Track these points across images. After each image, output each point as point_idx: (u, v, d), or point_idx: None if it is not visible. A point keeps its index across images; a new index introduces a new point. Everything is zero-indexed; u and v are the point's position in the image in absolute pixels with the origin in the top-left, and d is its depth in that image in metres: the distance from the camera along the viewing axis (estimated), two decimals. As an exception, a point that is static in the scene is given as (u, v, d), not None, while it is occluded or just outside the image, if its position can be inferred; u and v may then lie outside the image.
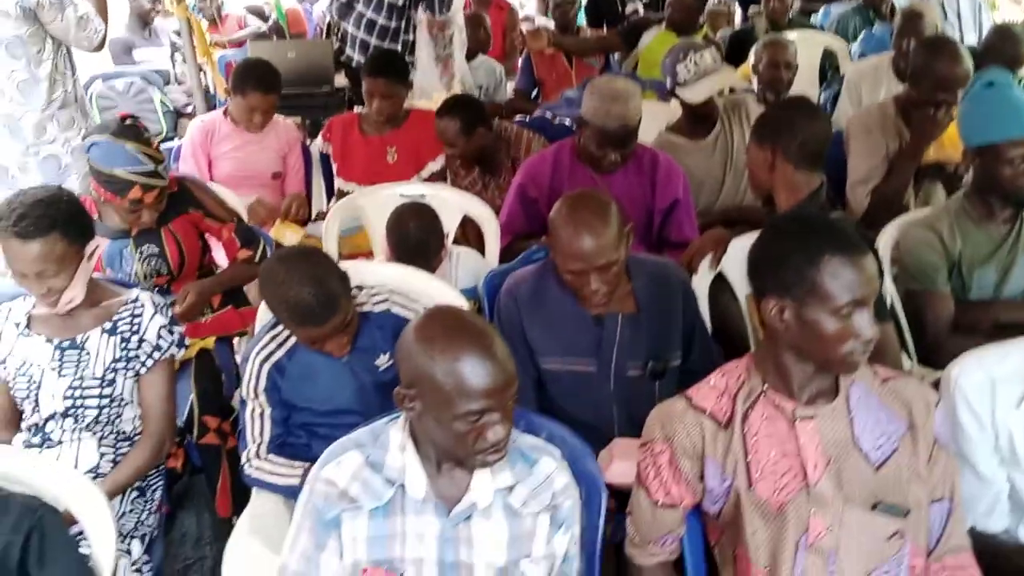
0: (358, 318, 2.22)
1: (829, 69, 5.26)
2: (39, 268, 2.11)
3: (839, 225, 1.65)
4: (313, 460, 1.98)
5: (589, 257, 2.13)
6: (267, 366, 2.22)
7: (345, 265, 2.29)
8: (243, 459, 2.25)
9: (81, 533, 1.88)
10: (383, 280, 2.42)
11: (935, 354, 2.52)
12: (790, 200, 2.51)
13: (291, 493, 2.16)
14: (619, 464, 2.03)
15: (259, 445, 2.23)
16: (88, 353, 2.24)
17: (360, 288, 2.29)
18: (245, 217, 3.21)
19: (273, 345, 2.24)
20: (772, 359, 1.68)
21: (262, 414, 2.24)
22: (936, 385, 1.97)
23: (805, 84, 4.66)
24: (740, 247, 2.64)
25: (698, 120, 3.49)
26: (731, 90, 3.86)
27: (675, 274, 2.39)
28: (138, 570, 2.15)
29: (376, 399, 2.19)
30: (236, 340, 2.98)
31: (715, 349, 2.45)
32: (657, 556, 1.83)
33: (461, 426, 1.53)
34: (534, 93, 5.57)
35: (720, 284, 2.74)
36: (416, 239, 2.81)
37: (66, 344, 2.24)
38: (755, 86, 4.16)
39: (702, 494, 1.74)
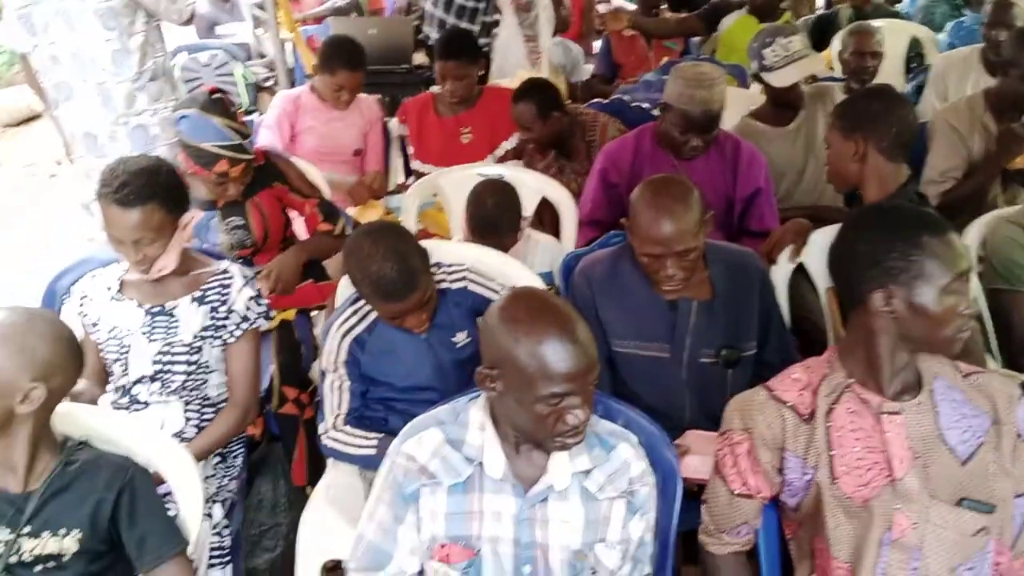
0: (437, 295, 2.24)
1: (914, 59, 5.12)
2: (136, 236, 2.17)
3: (923, 209, 1.71)
4: (389, 433, 2.02)
5: (668, 242, 2.12)
6: (348, 340, 2.25)
7: (424, 243, 2.32)
8: (320, 430, 2.29)
9: (169, 494, 1.95)
10: (460, 259, 2.43)
11: (1022, 356, 2.46)
12: (880, 193, 2.44)
13: (366, 463, 2.20)
14: (694, 458, 2.03)
15: (337, 417, 2.27)
16: (177, 320, 2.29)
17: (438, 265, 2.31)
18: (328, 192, 3.25)
19: (355, 319, 2.27)
20: (862, 352, 1.67)
21: (341, 386, 2.27)
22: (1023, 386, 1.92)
23: (891, 74, 4.55)
24: (822, 239, 2.61)
25: (782, 107, 3.43)
26: (814, 78, 3.78)
27: (753, 264, 2.37)
28: (218, 533, 2.21)
29: (454, 376, 2.22)
30: (314, 314, 3.03)
31: (792, 342, 2.42)
32: (731, 546, 1.83)
33: (542, 408, 1.54)
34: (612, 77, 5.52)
35: (800, 276, 2.71)
36: (492, 215, 2.82)
37: (156, 310, 2.29)
38: (840, 74, 4.07)
39: (780, 487, 1.74)
